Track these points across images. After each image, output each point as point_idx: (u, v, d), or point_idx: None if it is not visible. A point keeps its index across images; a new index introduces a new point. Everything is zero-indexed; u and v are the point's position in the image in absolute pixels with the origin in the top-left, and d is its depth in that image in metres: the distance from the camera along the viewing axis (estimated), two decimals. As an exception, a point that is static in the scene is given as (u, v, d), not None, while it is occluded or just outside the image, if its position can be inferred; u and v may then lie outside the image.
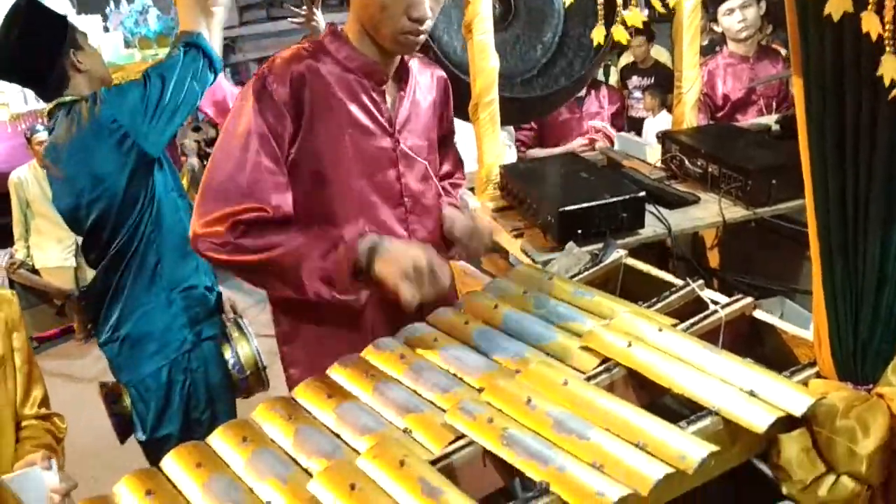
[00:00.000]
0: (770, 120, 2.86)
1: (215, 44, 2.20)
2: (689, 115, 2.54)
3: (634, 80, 5.54)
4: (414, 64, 1.65)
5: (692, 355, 1.18)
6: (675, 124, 2.59)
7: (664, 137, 2.42)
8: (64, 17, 2.12)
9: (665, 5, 1.19)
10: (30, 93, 4.53)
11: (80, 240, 4.71)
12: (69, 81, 2.07)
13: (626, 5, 1.15)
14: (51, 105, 2.09)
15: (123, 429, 2.18)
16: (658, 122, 4.83)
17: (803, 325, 1.61)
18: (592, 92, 4.12)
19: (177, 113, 2.03)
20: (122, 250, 2.06)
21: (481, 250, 1.69)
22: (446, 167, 1.85)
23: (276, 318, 1.69)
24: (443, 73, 1.75)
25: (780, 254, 2.22)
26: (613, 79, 6.10)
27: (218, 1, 2.32)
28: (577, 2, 2.40)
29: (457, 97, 1.80)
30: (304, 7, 2.81)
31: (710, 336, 1.31)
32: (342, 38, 1.53)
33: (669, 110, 4.86)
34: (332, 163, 1.50)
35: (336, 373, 1.31)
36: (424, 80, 1.67)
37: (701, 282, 1.44)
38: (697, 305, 1.40)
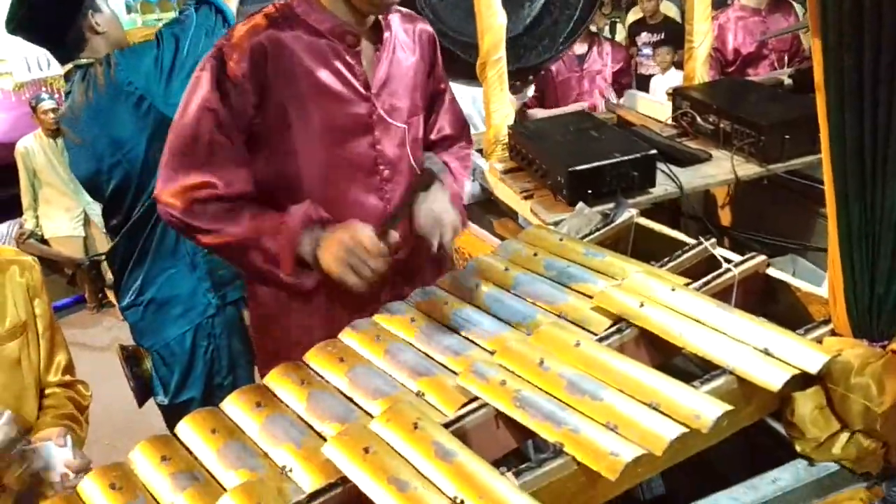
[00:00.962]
0: (783, 74, 2.81)
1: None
2: (701, 70, 2.50)
3: (644, 37, 5.43)
4: (394, 19, 1.57)
5: (705, 314, 1.17)
6: (686, 80, 2.54)
7: (675, 94, 2.38)
8: None
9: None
10: (34, 61, 4.50)
11: (89, 208, 4.71)
12: (86, 43, 2.04)
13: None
14: (66, 68, 2.07)
15: (143, 393, 2.20)
16: (667, 80, 4.75)
17: (816, 282, 1.59)
18: (594, 49, 4.02)
19: (193, 72, 2.01)
20: (146, 215, 2.05)
21: (440, 243, 1.48)
22: (446, 129, 1.74)
23: (248, 303, 1.68)
24: (428, 28, 1.65)
25: (792, 211, 2.20)
26: (621, 35, 6.00)
27: None
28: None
29: (450, 60, 1.74)
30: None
31: (723, 295, 1.30)
32: (311, 2, 1.46)
33: (679, 67, 4.79)
34: (298, 133, 1.46)
35: (347, 337, 1.31)
36: (406, 37, 1.59)
37: (713, 240, 1.42)
38: (710, 264, 1.39)
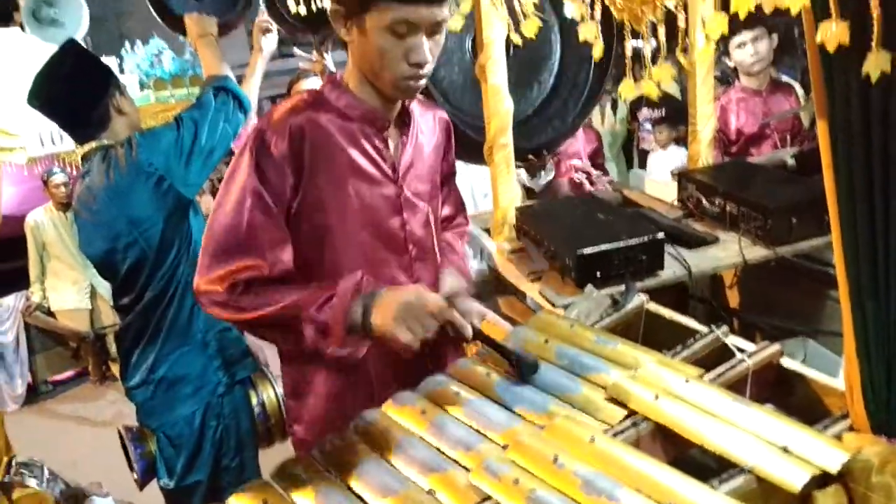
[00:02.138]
0: (785, 154, 2.84)
1: (256, 84, 2.30)
2: (705, 152, 2.53)
3: (644, 113, 5.53)
4: (415, 107, 1.63)
5: (722, 408, 1.16)
6: (691, 162, 2.58)
7: (680, 176, 2.41)
8: (106, 65, 2.18)
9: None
10: (47, 136, 4.59)
11: (95, 281, 4.73)
12: (109, 123, 2.10)
13: (654, 59, 1.14)
14: (85, 149, 2.11)
15: (146, 476, 2.16)
16: (667, 156, 4.82)
17: (827, 366, 1.58)
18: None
19: (211, 155, 2.06)
20: (160, 294, 2.07)
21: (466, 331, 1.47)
22: (447, 210, 1.81)
23: (283, 369, 1.67)
24: (444, 115, 1.73)
25: (801, 293, 2.19)
26: (623, 111, 6.12)
27: (269, 45, 2.40)
28: (573, 42, 2.42)
29: (456, 141, 1.79)
30: (314, 52, 2.85)
31: (737, 385, 1.28)
32: (341, 87, 1.52)
33: (678, 143, 4.87)
34: (336, 213, 1.49)
35: (356, 429, 1.29)
36: (426, 123, 1.66)
37: (725, 328, 1.41)
38: (722, 352, 1.38)
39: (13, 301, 4.97)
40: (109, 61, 4.94)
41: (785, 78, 3.60)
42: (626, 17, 1.07)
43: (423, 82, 1.47)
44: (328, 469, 1.20)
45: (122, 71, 5.24)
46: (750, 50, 3.18)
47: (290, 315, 1.40)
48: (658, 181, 2.74)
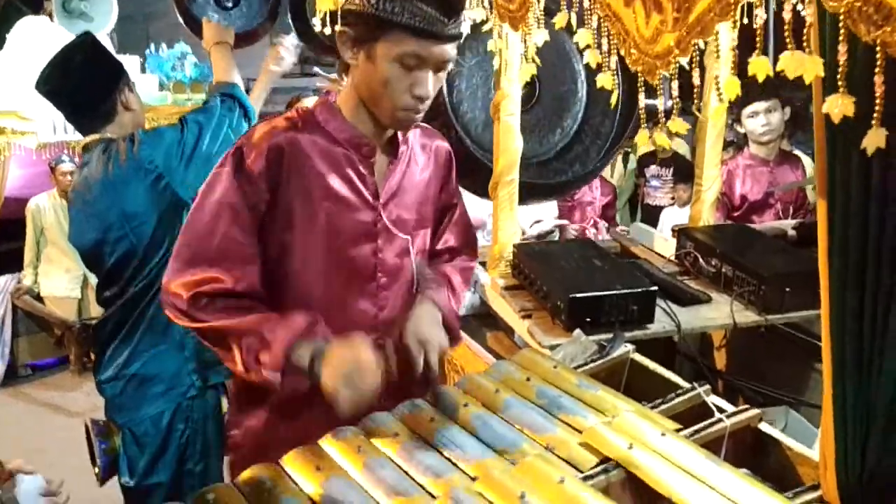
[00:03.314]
0: (787, 225, 2.86)
1: (260, 97, 2.30)
2: (707, 213, 2.55)
3: (653, 169, 5.59)
4: (414, 134, 1.63)
5: (695, 465, 1.15)
6: (692, 221, 2.59)
7: (680, 233, 2.42)
8: (118, 61, 2.19)
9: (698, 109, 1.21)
10: (60, 124, 4.62)
11: (88, 272, 4.72)
12: (115, 117, 2.11)
13: (668, 115, 1.16)
14: (88, 139, 2.12)
15: (108, 471, 2.13)
16: (682, 214, 4.85)
17: (807, 438, 1.57)
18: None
19: (211, 160, 2.06)
20: (143, 291, 2.06)
21: (426, 363, 1.47)
22: (451, 241, 1.77)
23: (230, 397, 1.66)
24: (445, 144, 1.71)
25: (788, 362, 2.19)
26: (632, 165, 6.17)
27: (281, 63, 2.43)
28: (598, 92, 2.45)
29: (473, 173, 1.80)
30: (335, 73, 2.89)
31: (713, 444, 1.28)
32: (333, 110, 1.52)
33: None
34: (302, 234, 1.49)
35: (328, 444, 1.28)
36: (423, 152, 1.65)
37: (707, 387, 1.41)
38: (702, 410, 1.37)
39: (4, 282, 4.96)
40: (133, 60, 5.01)
41: (796, 151, 3.64)
42: (640, 69, 1.09)
43: (420, 115, 1.48)
44: (293, 480, 1.19)
45: (143, 70, 5.28)
46: (762, 120, 3.22)
47: (238, 330, 1.39)
48: (658, 235, 2.75)
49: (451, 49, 1.41)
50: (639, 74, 1.18)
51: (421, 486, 1.16)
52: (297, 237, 1.49)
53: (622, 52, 1.10)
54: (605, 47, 1.22)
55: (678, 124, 1.16)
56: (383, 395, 1.37)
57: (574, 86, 2.85)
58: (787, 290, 2.01)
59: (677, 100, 1.23)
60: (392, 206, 1.57)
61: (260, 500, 1.15)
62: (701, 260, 2.28)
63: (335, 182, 1.50)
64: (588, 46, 1.27)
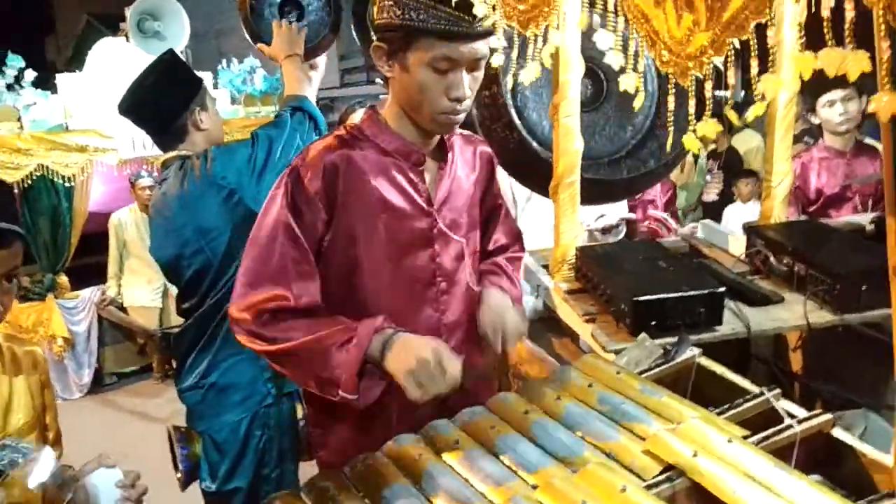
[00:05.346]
0: (865, 219, 2.74)
1: (301, 77, 2.33)
2: (778, 209, 2.46)
3: (708, 163, 5.46)
4: (456, 140, 1.66)
5: (762, 472, 1.12)
6: (763, 218, 2.51)
7: (750, 231, 2.35)
8: (200, 79, 2.25)
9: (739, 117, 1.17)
10: (139, 141, 4.82)
11: (169, 284, 4.93)
12: (187, 137, 2.19)
13: (699, 115, 1.13)
14: (166, 156, 2.21)
15: (189, 476, 2.21)
16: (745, 210, 4.71)
17: (888, 443, 1.50)
18: None
19: (282, 173, 2.11)
20: (219, 303, 2.12)
21: (504, 347, 1.56)
22: (502, 240, 1.84)
23: (306, 397, 1.70)
24: (487, 148, 1.76)
25: (867, 363, 2.09)
26: (702, 162, 6.02)
27: (316, 67, 2.47)
28: (672, 85, 2.39)
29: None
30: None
31: (783, 451, 1.24)
32: (380, 123, 1.56)
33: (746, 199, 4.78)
34: (365, 247, 1.52)
35: (389, 451, 1.30)
36: (466, 157, 1.69)
37: (777, 391, 1.37)
38: (772, 416, 1.33)
39: (89, 294, 5.20)
40: (206, 76, 5.18)
41: (870, 141, 3.48)
42: (671, 71, 1.07)
43: (461, 117, 1.50)
44: (357, 487, 1.21)
45: (215, 86, 5.46)
46: (839, 109, 3.10)
47: (307, 348, 1.42)
48: (727, 232, 2.66)
49: (481, 46, 1.43)
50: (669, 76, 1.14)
51: (482, 494, 1.17)
52: (361, 252, 1.52)
53: (652, 55, 1.08)
54: (631, 49, 1.20)
55: (710, 125, 1.12)
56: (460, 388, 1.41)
57: (643, 80, 2.80)
58: (864, 287, 1.92)
59: (708, 98, 1.19)
60: (445, 210, 1.60)
61: (326, 507, 1.18)
62: (772, 259, 2.20)
63: (389, 193, 1.53)
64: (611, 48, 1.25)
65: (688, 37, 0.98)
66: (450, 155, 1.63)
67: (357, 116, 2.96)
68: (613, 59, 1.22)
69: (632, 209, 4.23)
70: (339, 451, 1.58)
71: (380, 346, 1.40)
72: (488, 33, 1.43)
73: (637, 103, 1.29)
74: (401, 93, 1.50)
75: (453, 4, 1.36)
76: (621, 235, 3.46)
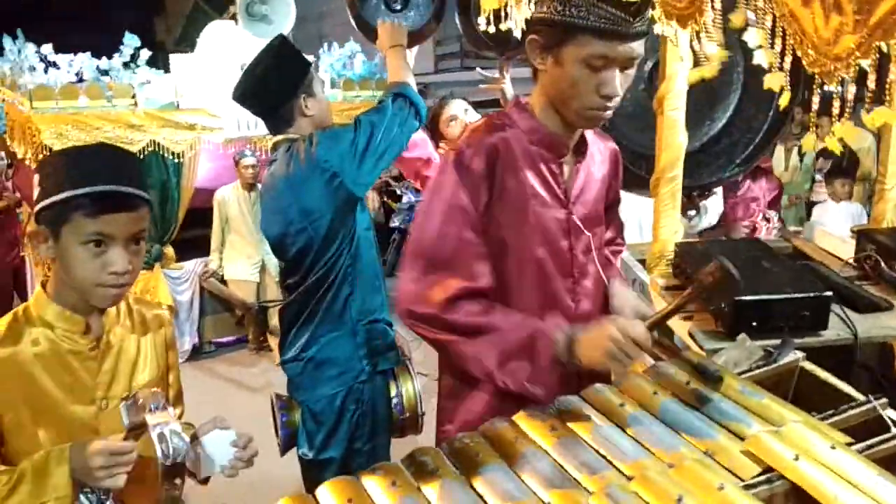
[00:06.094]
0: None
1: (402, 65, 2.37)
2: (891, 213, 2.37)
3: (819, 162, 5.25)
4: (589, 136, 1.67)
5: (866, 481, 1.10)
6: (875, 222, 2.42)
7: (860, 234, 2.27)
8: (309, 64, 2.32)
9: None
10: (244, 122, 5.01)
11: (267, 258, 5.13)
12: (294, 121, 2.27)
13: (840, 115, 1.11)
14: (277, 138, 2.30)
15: (288, 443, 2.32)
16: (837, 210, 4.52)
17: None
18: (747, 180, 4.00)
19: (383, 158, 2.18)
20: (321, 279, 2.21)
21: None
22: (610, 233, 1.85)
23: (441, 368, 1.73)
24: (614, 145, 1.77)
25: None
26: (810, 158, 5.80)
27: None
28: (756, 83, 2.33)
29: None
30: (496, 71, 2.93)
31: (887, 462, 1.21)
32: (527, 111, 1.58)
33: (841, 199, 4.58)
34: (515, 232, 1.55)
35: (486, 433, 1.33)
36: (598, 153, 1.70)
37: (884, 400, 1.33)
38: (877, 425, 1.30)
39: (193, 265, 5.46)
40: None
41: None
42: (817, 71, 1.05)
43: (609, 114, 1.50)
44: (454, 464, 1.26)
45: (316, 69, 5.58)
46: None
47: (489, 347, 1.46)
48: (834, 235, 2.58)
49: (637, 47, 1.43)
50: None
51: (576, 481, 1.19)
52: (512, 235, 1.55)
53: (799, 53, 1.06)
54: (777, 47, 1.17)
55: (848, 128, 1.10)
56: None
57: (729, 76, 2.73)
58: (983, 299, 1.83)
59: (849, 101, 1.16)
60: (579, 204, 1.62)
61: (422, 480, 1.22)
62: (883, 264, 2.12)
63: (535, 180, 1.56)
64: (760, 46, 1.23)
65: (835, 38, 0.97)
66: (586, 150, 1.64)
67: (450, 110, 3.00)
68: (762, 58, 1.20)
69: (732, 207, 4.14)
70: (468, 423, 1.58)
71: (565, 346, 1.44)
72: (645, 34, 1.43)
73: (784, 101, 1.27)
74: (551, 86, 1.51)
75: (616, 3, 1.37)
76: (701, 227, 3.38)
